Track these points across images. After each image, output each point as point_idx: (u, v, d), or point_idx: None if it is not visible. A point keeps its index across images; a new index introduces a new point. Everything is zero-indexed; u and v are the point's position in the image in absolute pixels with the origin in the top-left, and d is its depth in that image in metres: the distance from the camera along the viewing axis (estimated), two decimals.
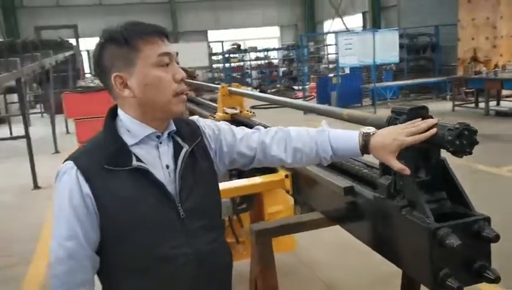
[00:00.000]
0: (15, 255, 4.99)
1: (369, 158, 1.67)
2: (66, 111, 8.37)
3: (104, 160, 1.38)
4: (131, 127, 1.44)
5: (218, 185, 1.65)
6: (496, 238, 1.37)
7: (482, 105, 11.96)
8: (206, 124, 1.65)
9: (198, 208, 1.49)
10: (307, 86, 17.45)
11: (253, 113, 3.93)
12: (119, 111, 1.47)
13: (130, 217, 1.39)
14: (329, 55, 24.12)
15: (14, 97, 13.20)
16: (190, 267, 1.46)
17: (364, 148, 1.50)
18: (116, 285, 1.46)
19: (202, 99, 6.10)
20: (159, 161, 1.46)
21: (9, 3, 23.63)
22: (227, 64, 24.06)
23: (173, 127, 1.51)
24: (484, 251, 1.42)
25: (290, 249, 3.84)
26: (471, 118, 10.91)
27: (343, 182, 1.94)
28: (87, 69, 20.34)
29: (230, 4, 27.57)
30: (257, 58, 25.87)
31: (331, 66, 22.02)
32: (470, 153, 1.36)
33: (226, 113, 3.88)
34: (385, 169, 1.59)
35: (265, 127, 1.74)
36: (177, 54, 1.50)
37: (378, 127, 1.60)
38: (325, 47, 24.85)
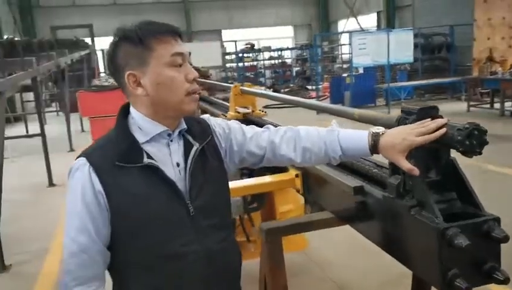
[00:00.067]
0: (30, 251, 5.06)
1: (379, 158, 1.67)
2: (80, 110, 8.46)
3: (116, 157, 1.40)
4: (143, 125, 1.46)
5: (228, 184, 1.66)
6: (505, 239, 1.36)
7: (497, 106, 11.83)
8: (216, 122, 1.66)
9: (208, 206, 1.50)
10: (320, 86, 17.40)
11: (265, 112, 3.93)
12: (131, 109, 1.49)
13: (141, 214, 1.41)
14: (343, 55, 24.03)
15: (30, 96, 13.38)
16: (200, 265, 1.47)
17: (374, 148, 1.50)
18: (126, 281, 1.48)
19: (215, 99, 6.12)
20: (170, 158, 1.48)
21: (26, 3, 23.90)
22: (240, 64, 24.08)
23: (184, 126, 1.53)
24: (493, 251, 1.41)
25: (301, 249, 3.85)
26: (486, 118, 10.80)
27: (353, 182, 1.94)
28: (102, 68, 20.51)
29: (244, 4, 27.59)
30: (271, 58, 25.86)
31: (345, 66, 21.95)
32: (480, 153, 1.36)
33: (238, 112, 3.89)
34: (395, 169, 1.58)
35: (276, 126, 1.75)
36: (189, 53, 1.51)
37: (388, 126, 1.60)
38: (339, 47, 24.76)
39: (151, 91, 1.41)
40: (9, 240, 5.03)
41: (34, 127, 9.84)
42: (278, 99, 3.88)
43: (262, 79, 25.36)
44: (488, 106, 12.44)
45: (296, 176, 2.54)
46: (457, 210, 1.48)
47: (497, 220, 1.41)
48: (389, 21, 22.05)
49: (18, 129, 12.62)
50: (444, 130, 1.39)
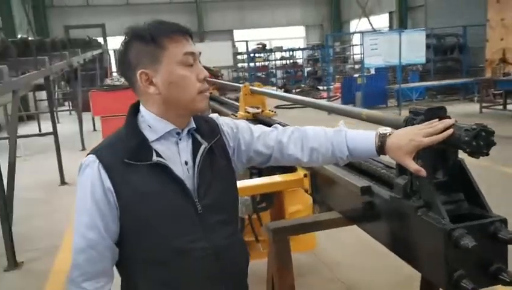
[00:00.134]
0: (41, 249, 5.12)
1: (387, 158, 1.67)
2: (92, 109, 8.54)
3: (125, 154, 1.42)
4: (152, 123, 1.47)
5: (235, 183, 1.67)
6: None
7: (510, 107, 11.72)
8: (224, 122, 1.67)
9: (216, 204, 1.52)
10: (331, 86, 17.36)
11: (275, 112, 3.94)
12: (141, 107, 1.50)
13: (149, 211, 1.42)
14: (355, 56, 23.95)
15: (43, 94, 13.50)
16: (207, 261, 1.48)
17: (381, 149, 1.50)
18: (134, 277, 1.49)
19: (225, 98, 6.14)
20: (178, 156, 1.49)
21: (40, 3, 24.11)
22: (251, 64, 24.10)
23: (193, 124, 1.54)
24: (500, 252, 1.41)
25: (310, 249, 3.85)
26: (499, 120, 10.72)
27: (360, 182, 1.94)
28: (114, 67, 20.64)
29: (256, 4, 27.60)
30: (282, 58, 25.85)
31: (356, 66, 21.87)
32: (487, 154, 1.35)
33: (248, 112, 3.91)
34: (402, 169, 1.59)
35: (284, 126, 1.76)
36: (200, 53, 1.53)
37: (396, 127, 1.61)
38: (351, 47, 24.69)
39: (163, 90, 1.43)
40: (21, 238, 5.09)
41: (46, 126, 9.94)
42: (287, 99, 3.88)
43: (273, 79, 25.36)
44: (500, 107, 12.32)
45: (305, 175, 2.54)
46: (464, 211, 1.48)
47: (504, 221, 1.41)
48: (401, 21, 21.93)
49: (31, 128, 12.76)
50: (451, 130, 1.39)
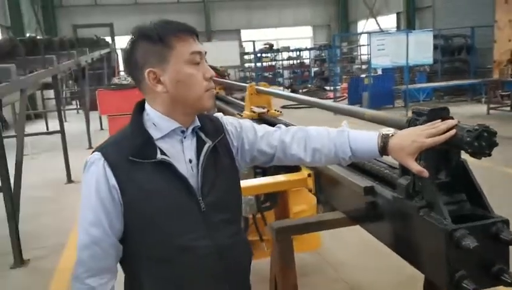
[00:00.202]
0: (48, 247, 5.15)
1: (390, 158, 1.68)
2: (99, 108, 8.57)
3: (130, 152, 1.43)
4: (157, 122, 1.49)
5: (239, 181, 1.69)
6: None
7: None
8: (229, 121, 1.68)
9: (220, 203, 1.53)
10: (338, 87, 17.32)
11: (281, 112, 3.95)
12: (147, 106, 1.52)
13: (153, 208, 1.43)
14: (362, 56, 23.90)
15: (51, 93, 13.56)
16: (211, 260, 1.49)
17: (383, 149, 1.51)
18: (138, 274, 1.51)
19: (232, 98, 6.15)
20: (183, 155, 1.51)
21: (49, 3, 24.25)
22: (258, 64, 24.10)
23: (197, 123, 1.55)
24: (502, 253, 1.41)
25: (314, 248, 3.85)
26: (506, 121, 10.68)
27: (363, 182, 1.94)
28: (121, 66, 20.71)
29: (264, 4, 27.59)
30: (289, 58, 25.83)
31: (363, 66, 21.82)
32: (489, 155, 1.36)
33: (254, 111, 3.91)
34: (405, 169, 1.59)
35: (288, 126, 1.76)
36: (205, 52, 1.54)
37: (399, 127, 1.61)
38: (358, 47, 24.62)
39: (171, 88, 1.44)
40: (27, 236, 5.13)
41: (54, 124, 10.00)
42: (292, 99, 3.89)
43: (280, 79, 25.35)
44: (508, 108, 12.27)
45: (309, 175, 2.54)
46: (466, 212, 1.48)
47: (506, 222, 1.41)
48: (409, 22, 21.85)
49: (39, 126, 12.83)
50: (453, 131, 1.39)
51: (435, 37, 15.11)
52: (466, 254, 1.33)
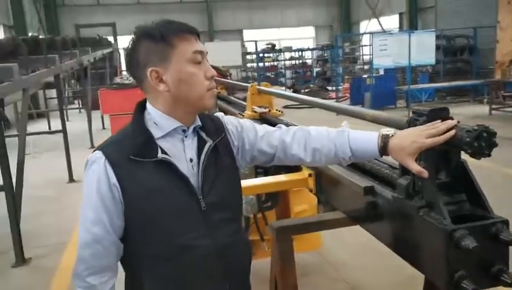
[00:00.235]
0: (49, 245, 5.16)
1: (391, 159, 1.68)
2: (101, 107, 8.58)
3: (131, 151, 1.44)
4: (158, 121, 1.49)
5: (239, 181, 1.69)
6: None
7: None
8: (229, 121, 1.69)
9: (220, 202, 1.53)
10: (340, 87, 17.31)
11: (282, 112, 3.95)
12: (148, 105, 1.52)
13: (154, 207, 1.44)
14: (364, 56, 23.90)
15: (53, 93, 13.61)
16: (211, 259, 1.50)
17: (383, 150, 1.51)
18: (139, 272, 1.51)
19: (233, 98, 6.16)
20: (184, 154, 1.51)
21: (51, 2, 24.30)
22: (261, 64, 24.11)
23: (198, 122, 1.56)
24: (502, 254, 1.41)
25: (315, 248, 3.86)
26: (508, 122, 10.67)
27: (363, 182, 1.95)
28: (124, 66, 20.72)
29: (266, 4, 27.63)
30: (291, 58, 25.83)
31: (366, 67, 21.81)
32: (489, 155, 1.35)
33: (255, 111, 3.92)
34: (405, 169, 1.58)
35: (288, 125, 1.77)
36: (206, 52, 1.55)
37: (400, 128, 1.61)
38: (361, 48, 24.62)
39: (173, 87, 1.45)
40: (29, 235, 5.14)
41: (56, 124, 10.00)
42: (293, 99, 3.89)
43: (282, 79, 25.35)
44: (510, 109, 12.24)
45: (309, 175, 2.55)
46: (466, 212, 1.48)
47: (506, 222, 1.41)
48: (411, 22, 21.85)
49: (41, 125, 12.86)
50: (453, 131, 1.39)
51: (437, 37, 15.12)
52: (465, 254, 1.33)
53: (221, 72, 8.72)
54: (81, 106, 17.16)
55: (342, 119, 2.06)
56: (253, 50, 24.07)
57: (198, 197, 1.49)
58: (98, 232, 1.44)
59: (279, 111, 3.95)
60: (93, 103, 11.25)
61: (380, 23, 24.69)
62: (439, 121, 1.45)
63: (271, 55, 25.41)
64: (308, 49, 25.83)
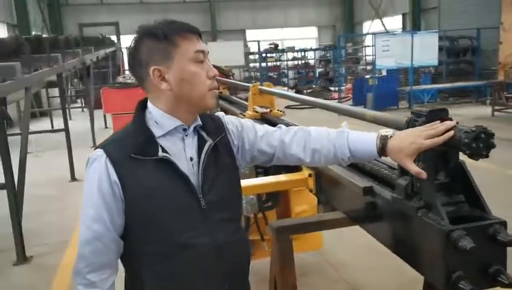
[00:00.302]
0: (51, 244, 5.17)
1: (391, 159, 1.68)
2: (104, 106, 8.59)
3: (132, 149, 1.45)
4: (159, 119, 1.50)
5: (239, 180, 1.70)
6: (511, 242, 1.36)
7: None
8: (230, 120, 1.70)
9: (220, 201, 1.54)
10: (343, 87, 17.31)
11: (283, 112, 3.96)
12: (149, 104, 1.53)
13: (154, 205, 1.45)
14: (367, 57, 23.89)
15: (56, 91, 13.61)
16: (210, 257, 1.51)
17: (382, 151, 1.51)
18: (139, 270, 1.52)
19: (235, 98, 6.16)
20: (184, 153, 1.52)
21: (55, 1, 24.35)
22: (263, 64, 24.11)
23: (199, 122, 1.57)
24: (499, 254, 1.41)
25: (316, 248, 3.86)
26: (511, 123, 10.64)
27: (363, 182, 1.95)
28: (126, 65, 20.73)
29: (269, 4, 27.63)
30: (294, 59, 25.83)
31: (368, 67, 21.79)
32: (487, 156, 1.36)
33: (256, 111, 3.92)
34: (404, 170, 1.59)
35: (288, 125, 1.78)
36: (208, 52, 1.56)
37: (399, 128, 1.62)
38: (363, 48, 24.61)
39: (175, 86, 1.46)
40: (31, 233, 5.15)
41: (59, 122, 10.03)
42: (294, 99, 3.90)
43: (285, 79, 25.35)
44: None
45: (309, 175, 2.55)
46: (464, 213, 1.48)
47: (504, 223, 1.41)
48: (414, 23, 21.82)
49: (43, 124, 12.88)
50: (451, 132, 1.40)
51: (440, 38, 15.10)
52: (463, 254, 1.33)
53: (224, 72, 8.71)
54: (83, 105, 17.20)
55: (343, 119, 2.06)
56: (256, 50, 24.07)
57: (198, 196, 1.50)
58: (99, 230, 1.46)
59: (281, 111, 3.96)
60: (96, 102, 11.26)
61: (383, 24, 24.66)
62: (438, 122, 1.46)
63: (274, 55, 25.42)
64: (311, 49, 25.81)
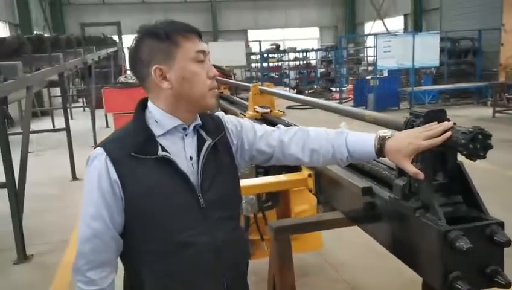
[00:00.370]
0: (52, 243, 5.19)
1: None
2: (105, 106, 8.60)
3: (132, 148, 1.46)
4: (159, 119, 1.52)
5: (238, 179, 1.71)
6: (508, 243, 1.37)
7: None
8: (229, 120, 1.71)
9: (219, 200, 1.56)
10: (344, 88, 17.30)
11: (284, 112, 3.97)
12: (149, 103, 1.55)
13: (153, 204, 1.46)
14: (368, 58, 23.87)
15: (58, 91, 13.63)
16: (209, 256, 1.52)
17: (380, 151, 1.52)
18: (139, 268, 1.53)
19: (236, 98, 6.18)
20: (184, 152, 1.54)
21: (57, 0, 24.37)
22: (265, 64, 24.11)
23: (199, 121, 1.58)
24: (496, 255, 1.42)
25: (316, 248, 3.87)
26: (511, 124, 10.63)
27: (362, 183, 1.96)
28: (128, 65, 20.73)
29: (271, 4, 27.63)
30: (296, 59, 25.82)
31: (370, 68, 21.77)
32: (484, 157, 1.36)
33: (257, 111, 3.94)
34: (402, 170, 1.59)
35: (288, 126, 1.79)
36: (208, 52, 1.57)
37: (398, 129, 1.63)
38: (365, 49, 24.59)
39: (176, 84, 1.47)
40: (31, 232, 5.17)
41: (60, 122, 10.05)
42: (294, 99, 3.91)
43: (286, 80, 25.35)
44: None
45: (309, 175, 2.56)
46: (462, 213, 1.49)
47: (501, 224, 1.42)
48: (416, 24, 21.81)
49: (45, 123, 12.89)
50: (449, 133, 1.40)
51: (441, 39, 15.09)
52: (460, 255, 1.34)
53: (224, 72, 8.74)
54: (85, 104, 17.20)
55: (343, 120, 2.07)
56: (258, 50, 24.07)
57: (198, 195, 1.51)
58: (98, 227, 1.47)
59: (281, 111, 3.97)
60: (97, 102, 11.26)
61: (384, 25, 24.65)
62: (436, 123, 1.46)
63: (275, 55, 25.42)
64: (313, 50, 25.79)
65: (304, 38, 28.64)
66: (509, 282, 1.37)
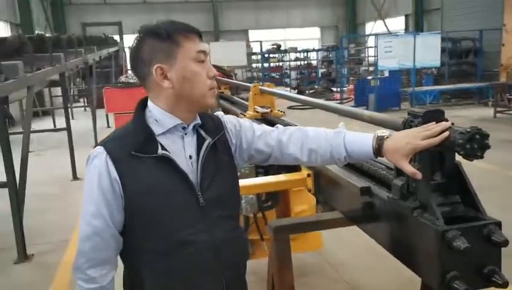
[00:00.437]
0: (52, 242, 5.20)
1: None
2: (106, 106, 8.62)
3: (132, 147, 1.47)
4: (159, 118, 1.53)
5: (237, 178, 1.73)
6: (505, 243, 1.37)
7: None
8: (229, 119, 1.72)
9: (218, 198, 1.57)
10: (345, 88, 17.29)
11: (284, 112, 3.97)
12: (149, 103, 1.56)
13: (153, 202, 1.47)
14: (369, 58, 23.85)
15: (59, 91, 13.65)
16: (208, 254, 1.53)
17: (378, 151, 1.52)
18: (138, 267, 1.54)
19: (237, 98, 6.18)
20: (183, 151, 1.55)
21: (58, 0, 24.39)
22: (266, 64, 24.11)
23: (198, 120, 1.60)
24: (494, 255, 1.42)
25: (316, 248, 3.87)
26: None
27: (360, 183, 1.96)
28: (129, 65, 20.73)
29: (272, 4, 27.63)
30: (296, 59, 25.81)
31: (371, 68, 21.75)
32: (481, 157, 1.37)
33: (257, 111, 3.94)
34: (399, 170, 1.60)
35: (287, 125, 1.79)
36: (208, 52, 1.58)
37: (396, 129, 1.63)
38: (366, 49, 24.58)
39: (177, 84, 1.48)
40: (32, 231, 5.18)
41: (61, 122, 10.06)
42: (294, 100, 3.91)
43: (287, 80, 25.35)
44: None
45: (308, 175, 2.56)
46: (460, 213, 1.49)
47: (498, 224, 1.42)
48: (417, 24, 21.79)
49: (46, 123, 12.91)
50: (447, 133, 1.41)
51: (442, 39, 15.09)
52: (457, 255, 1.34)
53: (225, 72, 8.74)
54: (86, 104, 17.22)
55: (346, 120, 2.07)
56: (259, 50, 24.08)
57: (197, 193, 1.52)
58: (98, 225, 1.48)
59: (281, 111, 3.97)
60: (98, 102, 11.28)
61: (385, 25, 24.63)
62: (434, 123, 1.47)
63: (276, 55, 25.41)
64: (314, 50, 25.78)
65: (305, 39, 28.64)
66: (507, 282, 1.38)
